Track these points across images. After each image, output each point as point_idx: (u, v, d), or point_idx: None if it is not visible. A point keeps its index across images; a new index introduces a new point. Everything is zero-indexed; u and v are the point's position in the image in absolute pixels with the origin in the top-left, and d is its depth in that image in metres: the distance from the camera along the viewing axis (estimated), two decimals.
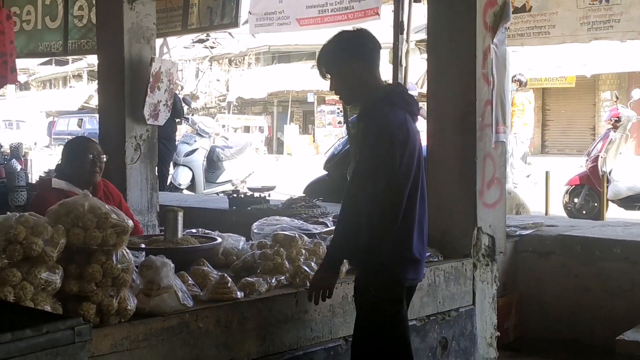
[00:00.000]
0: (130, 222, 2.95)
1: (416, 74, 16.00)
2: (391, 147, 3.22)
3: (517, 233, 5.90)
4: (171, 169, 12.13)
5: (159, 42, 6.73)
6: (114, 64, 6.17)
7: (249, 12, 8.68)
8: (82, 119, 30.53)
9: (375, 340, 3.31)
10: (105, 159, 4.52)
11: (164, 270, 3.10)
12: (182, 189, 12.56)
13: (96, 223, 2.83)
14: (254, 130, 31.26)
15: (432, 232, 4.70)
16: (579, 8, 6.63)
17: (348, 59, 3.37)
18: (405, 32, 7.37)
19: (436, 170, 4.75)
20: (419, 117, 3.50)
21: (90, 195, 2.96)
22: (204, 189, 12.85)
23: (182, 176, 12.70)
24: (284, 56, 31.91)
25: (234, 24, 8.37)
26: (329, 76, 3.44)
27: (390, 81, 3.44)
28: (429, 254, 4.40)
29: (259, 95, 30.88)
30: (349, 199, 3.31)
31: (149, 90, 6.04)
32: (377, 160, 3.23)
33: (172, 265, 3.13)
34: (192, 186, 12.84)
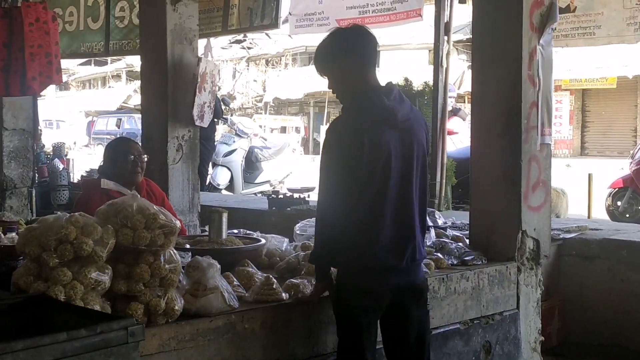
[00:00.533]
0: (178, 223, 2.96)
1: (453, 75, 15.90)
2: (337, 154, 3.18)
3: (561, 236, 5.82)
4: (210, 169, 12.20)
5: (202, 43, 6.75)
6: (156, 65, 6.21)
7: (289, 13, 8.72)
8: (120, 119, 30.85)
9: (339, 339, 3.32)
10: (146, 159, 4.55)
11: (210, 271, 3.11)
12: (221, 189, 12.63)
13: (144, 224, 2.84)
14: (290, 131, 31.31)
15: (475, 234, 4.70)
16: (626, 8, 6.52)
17: (340, 58, 3.30)
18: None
19: (480, 172, 4.71)
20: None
21: (139, 196, 2.99)
22: (243, 189, 12.91)
23: (220, 176, 12.77)
24: None
25: (274, 24, 8.41)
26: (325, 75, 3.39)
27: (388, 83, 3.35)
28: (472, 257, 4.37)
29: (296, 95, 30.91)
30: (316, 205, 3.33)
31: (197, 90, 6.07)
32: (327, 167, 3.22)
33: (219, 266, 3.14)
34: (230, 186, 12.90)
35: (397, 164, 3.23)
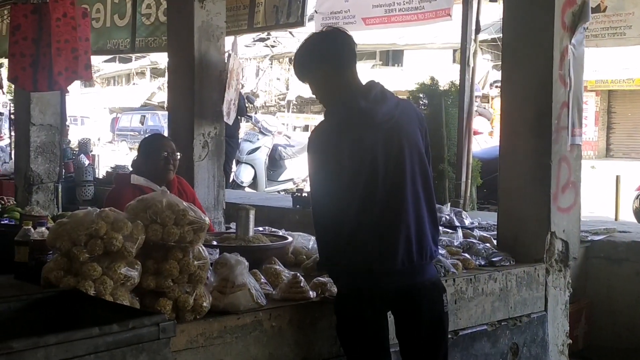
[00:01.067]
0: (207, 220, 2.96)
1: (478, 75, 15.81)
2: (320, 160, 3.16)
3: (589, 239, 5.76)
4: (234, 167, 12.22)
5: (229, 40, 6.75)
6: (183, 62, 6.21)
7: (315, 11, 8.71)
8: (144, 116, 31.01)
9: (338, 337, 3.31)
10: (179, 157, 4.57)
11: (238, 269, 3.09)
12: (244, 187, 12.65)
13: (174, 220, 2.83)
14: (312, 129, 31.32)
15: (503, 235, 4.65)
16: None
17: (316, 64, 3.24)
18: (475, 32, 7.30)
19: (509, 172, 4.66)
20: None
21: (168, 192, 2.98)
22: (266, 187, 12.92)
23: (244, 174, 12.79)
24: None
25: (300, 22, 8.39)
26: (305, 82, 3.33)
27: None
28: (500, 257, 4.33)
29: None
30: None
31: (226, 86, 6.08)
32: (313, 174, 3.20)
33: (247, 263, 3.13)
34: (254, 184, 12.92)
35: (384, 164, 3.14)
